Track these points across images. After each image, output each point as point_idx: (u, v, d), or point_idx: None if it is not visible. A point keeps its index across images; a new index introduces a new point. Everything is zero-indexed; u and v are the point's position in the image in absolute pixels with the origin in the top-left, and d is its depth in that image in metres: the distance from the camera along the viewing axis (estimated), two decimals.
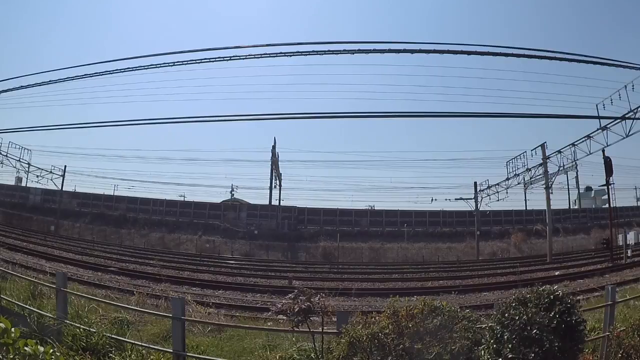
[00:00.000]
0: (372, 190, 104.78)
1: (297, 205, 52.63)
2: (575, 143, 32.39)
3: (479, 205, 46.10)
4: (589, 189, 61.40)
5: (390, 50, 13.43)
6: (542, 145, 35.67)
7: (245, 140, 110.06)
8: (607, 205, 36.79)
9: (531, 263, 31.65)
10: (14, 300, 7.16)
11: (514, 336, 3.72)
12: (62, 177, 50.02)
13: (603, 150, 29.35)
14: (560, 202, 54.99)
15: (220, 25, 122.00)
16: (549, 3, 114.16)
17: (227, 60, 14.45)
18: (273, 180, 51.13)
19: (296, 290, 4.54)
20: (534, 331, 3.65)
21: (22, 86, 16.98)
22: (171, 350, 5.22)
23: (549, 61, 13.45)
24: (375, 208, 56.13)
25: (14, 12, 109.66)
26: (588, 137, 30.43)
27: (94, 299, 7.81)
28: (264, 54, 13.91)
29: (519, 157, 38.66)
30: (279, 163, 51.68)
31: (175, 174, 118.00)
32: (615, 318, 5.70)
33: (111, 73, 15.47)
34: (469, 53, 13.43)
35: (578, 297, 9.49)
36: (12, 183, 56.39)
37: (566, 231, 49.83)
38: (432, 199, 50.35)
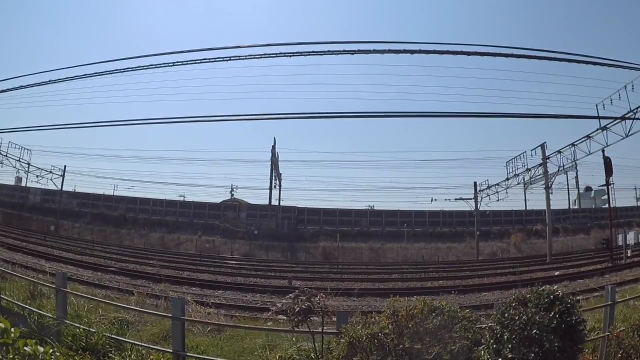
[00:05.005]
0: (372, 190, 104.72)
1: (297, 205, 52.71)
2: (575, 143, 32.40)
3: (478, 206, 46.10)
4: (588, 189, 61.41)
5: (390, 51, 13.41)
6: (542, 146, 35.65)
7: (245, 140, 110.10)
8: (606, 205, 36.82)
9: (531, 263, 31.65)
10: (13, 300, 7.15)
11: (513, 336, 3.72)
12: (61, 177, 50.07)
13: (603, 151, 29.38)
14: (560, 202, 55.01)
15: (219, 25, 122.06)
16: (549, 3, 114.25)
17: (227, 60, 14.42)
18: (273, 180, 51.21)
19: (297, 290, 4.54)
20: (534, 331, 3.65)
21: (21, 86, 16.92)
22: (171, 350, 5.22)
23: (549, 61, 13.44)
24: (375, 208, 56.25)
25: (14, 11, 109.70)
26: (588, 137, 30.44)
27: (93, 299, 7.81)
28: (264, 54, 13.87)
29: (518, 157, 38.67)
30: (279, 163, 51.75)
31: (175, 174, 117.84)
32: (615, 318, 5.69)
33: (111, 73, 15.40)
34: (468, 54, 13.41)
35: (578, 297, 9.49)
36: (12, 183, 56.45)
37: (566, 231, 49.86)
38: (432, 199, 50.40)
